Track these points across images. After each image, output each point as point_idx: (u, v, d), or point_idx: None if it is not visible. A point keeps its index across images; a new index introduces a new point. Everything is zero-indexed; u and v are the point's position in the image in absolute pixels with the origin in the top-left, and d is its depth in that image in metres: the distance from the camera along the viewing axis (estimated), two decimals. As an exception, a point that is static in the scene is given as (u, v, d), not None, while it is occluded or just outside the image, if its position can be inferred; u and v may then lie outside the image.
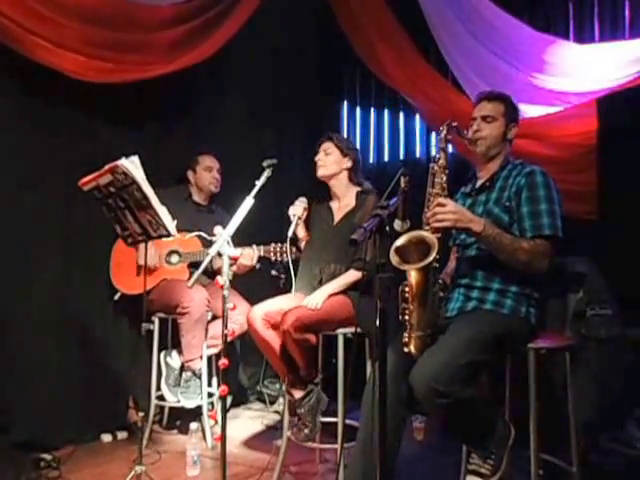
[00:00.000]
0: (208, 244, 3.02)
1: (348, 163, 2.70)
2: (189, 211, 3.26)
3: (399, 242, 1.87)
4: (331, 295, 2.51)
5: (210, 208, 3.41)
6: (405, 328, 1.95)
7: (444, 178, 2.08)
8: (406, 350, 1.93)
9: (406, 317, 1.94)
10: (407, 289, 1.94)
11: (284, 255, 2.88)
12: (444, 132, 2.12)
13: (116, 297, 3.11)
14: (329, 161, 2.69)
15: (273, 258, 2.93)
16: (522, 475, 2.07)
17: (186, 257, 3.12)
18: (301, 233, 2.76)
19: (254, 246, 2.90)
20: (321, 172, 2.71)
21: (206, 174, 3.34)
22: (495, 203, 2.12)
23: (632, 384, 2.61)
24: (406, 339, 1.94)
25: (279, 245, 2.90)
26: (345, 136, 2.75)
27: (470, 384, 1.83)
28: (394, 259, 1.82)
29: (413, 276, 1.88)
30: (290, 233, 2.64)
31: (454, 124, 2.12)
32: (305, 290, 2.64)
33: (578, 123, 3.08)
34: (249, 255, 2.86)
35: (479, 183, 2.24)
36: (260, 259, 2.95)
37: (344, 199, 2.73)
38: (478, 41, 3.44)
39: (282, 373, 2.57)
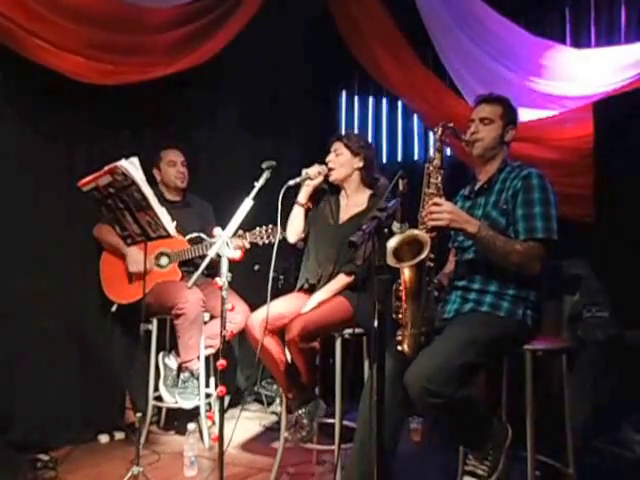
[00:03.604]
0: (197, 240, 3.03)
1: (359, 163, 2.61)
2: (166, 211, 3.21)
3: (393, 242, 1.87)
4: (324, 300, 2.49)
5: (185, 202, 3.33)
6: (399, 326, 1.96)
7: (439, 178, 2.09)
8: (399, 348, 1.94)
9: (399, 315, 1.95)
10: (401, 287, 1.94)
11: (271, 237, 2.84)
12: (439, 133, 2.12)
13: (113, 309, 3.09)
14: (339, 162, 2.60)
15: (260, 242, 2.90)
16: (519, 476, 2.08)
17: (175, 257, 3.09)
18: (303, 199, 2.64)
19: (241, 232, 2.84)
20: (333, 177, 2.62)
21: (170, 169, 3.24)
22: (493, 206, 2.13)
23: (628, 386, 2.62)
24: (400, 337, 1.95)
25: (264, 228, 2.87)
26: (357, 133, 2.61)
27: (465, 385, 1.83)
28: (389, 259, 1.82)
29: (406, 274, 1.89)
30: (292, 182, 2.49)
31: (449, 125, 2.13)
32: (306, 288, 2.63)
33: (575, 127, 3.10)
34: (237, 246, 2.77)
35: (478, 185, 2.25)
36: (250, 246, 2.90)
37: (354, 198, 2.65)
38: (476, 45, 3.45)
39: (280, 382, 2.56)
